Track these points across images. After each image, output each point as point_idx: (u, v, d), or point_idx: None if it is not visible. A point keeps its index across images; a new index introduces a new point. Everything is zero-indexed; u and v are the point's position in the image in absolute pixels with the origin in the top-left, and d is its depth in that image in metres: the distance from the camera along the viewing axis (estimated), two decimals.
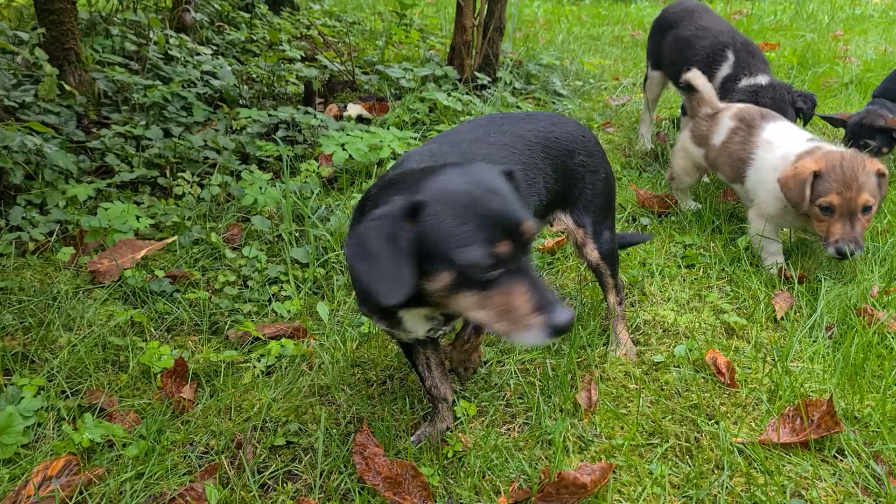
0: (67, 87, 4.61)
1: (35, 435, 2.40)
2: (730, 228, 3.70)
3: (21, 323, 2.98)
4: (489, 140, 2.32)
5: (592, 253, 2.64)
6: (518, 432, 2.35)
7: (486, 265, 1.62)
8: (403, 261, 1.62)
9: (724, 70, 4.41)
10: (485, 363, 2.69)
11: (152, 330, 3.00)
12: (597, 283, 2.81)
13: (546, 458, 2.22)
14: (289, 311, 3.13)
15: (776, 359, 2.62)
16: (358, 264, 1.65)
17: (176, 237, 3.62)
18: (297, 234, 3.61)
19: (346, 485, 2.12)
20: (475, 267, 1.62)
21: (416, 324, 2.01)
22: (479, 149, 2.25)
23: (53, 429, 2.43)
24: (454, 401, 2.37)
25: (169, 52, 5.59)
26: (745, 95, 4.10)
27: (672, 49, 4.74)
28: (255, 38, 6.96)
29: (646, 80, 5.19)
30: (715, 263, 3.34)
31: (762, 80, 4.23)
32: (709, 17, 4.74)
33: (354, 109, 5.19)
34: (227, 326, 3.03)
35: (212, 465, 2.20)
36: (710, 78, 4.19)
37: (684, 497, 2.07)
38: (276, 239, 3.64)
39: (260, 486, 2.15)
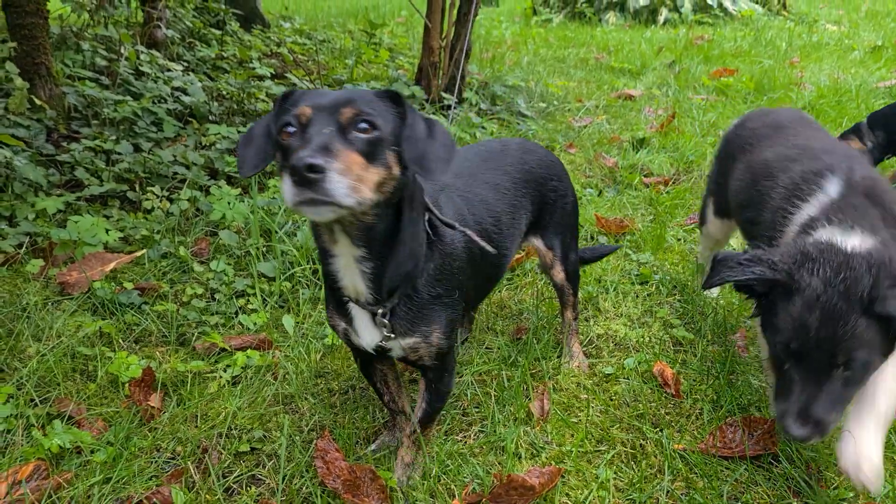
0: (38, 101, 4.68)
1: (4, 441, 2.46)
2: (683, 248, 3.86)
3: None
4: (483, 179, 2.40)
5: (559, 274, 2.76)
6: (473, 439, 2.47)
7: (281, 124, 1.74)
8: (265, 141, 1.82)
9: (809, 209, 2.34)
10: None
11: (120, 341, 3.07)
12: (552, 300, 2.94)
13: (499, 463, 2.33)
14: (255, 324, 3.22)
15: (719, 372, 2.77)
16: (239, 148, 1.87)
17: (145, 251, 3.70)
18: (264, 249, 3.70)
19: (308, 488, 2.22)
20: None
21: (363, 324, 2.04)
22: (478, 188, 2.35)
23: (22, 435, 2.49)
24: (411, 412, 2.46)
25: (140, 67, 5.66)
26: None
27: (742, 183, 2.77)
28: (225, 54, 7.05)
29: (702, 222, 3.41)
30: (667, 280, 3.50)
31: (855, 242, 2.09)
32: (810, 132, 2.85)
33: None
34: (194, 338, 3.11)
35: (178, 469, 2.29)
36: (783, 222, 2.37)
37: (628, 500, 2.20)
38: (243, 254, 3.73)
39: (224, 490, 2.24)
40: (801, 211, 2.28)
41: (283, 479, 2.26)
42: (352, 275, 1.92)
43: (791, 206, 2.32)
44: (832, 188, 2.26)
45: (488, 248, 2.12)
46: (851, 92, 6.79)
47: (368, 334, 2.05)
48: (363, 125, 1.67)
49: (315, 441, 2.35)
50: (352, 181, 1.58)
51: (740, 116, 3.25)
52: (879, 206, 2.17)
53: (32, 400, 2.67)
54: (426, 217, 1.99)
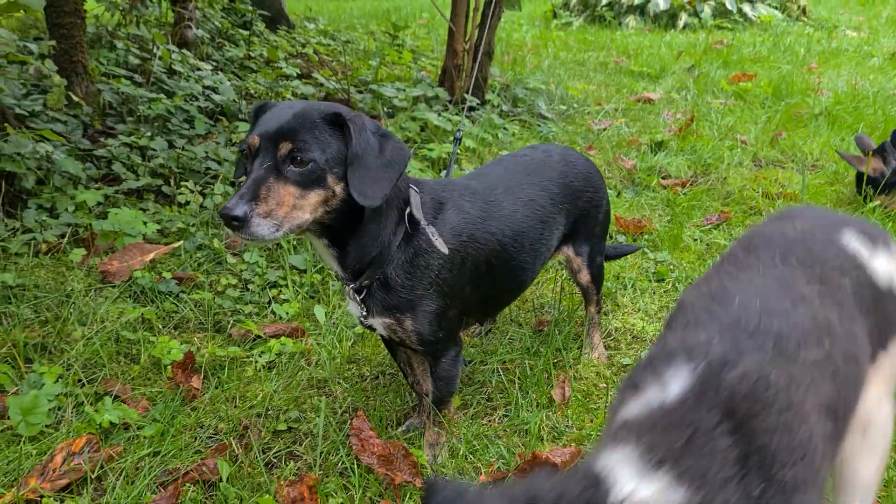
0: (75, 98, 4.85)
1: (56, 417, 2.62)
2: (700, 247, 3.98)
3: (37, 317, 3.20)
4: (517, 194, 2.51)
5: (585, 277, 2.89)
6: (498, 423, 2.60)
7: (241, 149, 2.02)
8: None
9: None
10: (469, 362, 2.94)
11: (160, 327, 3.23)
12: (573, 294, 3.07)
13: (522, 444, 2.47)
14: (287, 313, 3.37)
15: None
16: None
17: (181, 242, 3.86)
18: (294, 242, 3.86)
19: (344, 464, 2.36)
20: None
21: (349, 299, 2.28)
22: (508, 202, 2.47)
23: (72, 412, 2.65)
24: None
25: (172, 66, 5.84)
26: None
27: None
28: (252, 54, 7.22)
29: None
30: (684, 277, 3.62)
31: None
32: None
33: None
34: (230, 325, 3.26)
35: (221, 444, 2.44)
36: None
37: None
38: (275, 246, 3.88)
39: (265, 465, 2.39)
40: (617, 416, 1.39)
41: (321, 455, 2.40)
42: (324, 255, 2.20)
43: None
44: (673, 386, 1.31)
45: (442, 248, 2.21)
46: (869, 98, 6.87)
47: (353, 308, 2.29)
48: (298, 157, 1.91)
49: (350, 421, 2.49)
50: (277, 219, 1.87)
51: None
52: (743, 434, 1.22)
53: (80, 380, 2.83)
54: (407, 211, 2.18)
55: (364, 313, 2.25)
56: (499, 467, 2.35)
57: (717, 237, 4.14)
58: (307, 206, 1.93)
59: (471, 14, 5.95)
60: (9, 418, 2.54)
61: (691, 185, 5.00)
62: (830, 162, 5.35)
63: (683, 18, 11.65)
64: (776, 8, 12.48)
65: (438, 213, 2.26)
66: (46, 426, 2.55)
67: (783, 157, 5.55)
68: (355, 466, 2.30)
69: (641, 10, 12.07)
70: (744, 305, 1.46)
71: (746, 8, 11.96)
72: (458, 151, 4.90)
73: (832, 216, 1.94)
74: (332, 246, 2.15)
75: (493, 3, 5.62)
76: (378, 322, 2.27)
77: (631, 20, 11.99)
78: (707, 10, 11.76)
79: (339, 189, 1.98)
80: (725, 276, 1.63)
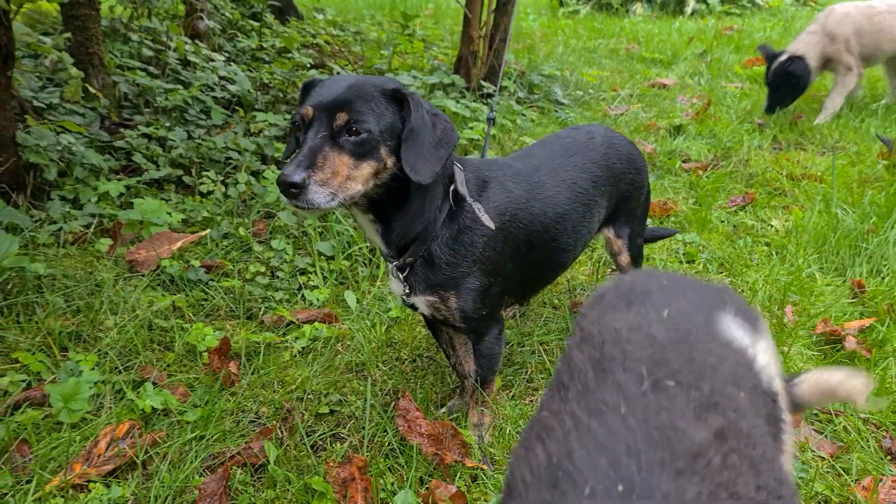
0: (91, 90, 4.83)
1: (95, 404, 2.61)
2: (727, 228, 3.96)
3: (69, 306, 3.18)
4: (560, 176, 2.49)
5: (625, 259, 2.87)
6: None
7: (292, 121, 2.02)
8: None
9: None
10: (506, 344, 2.92)
11: (191, 315, 3.21)
12: (603, 276, 3.05)
13: None
14: (318, 299, 3.35)
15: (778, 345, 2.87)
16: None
17: (208, 231, 3.84)
18: (321, 229, 3.84)
19: (391, 444, 2.34)
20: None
21: (392, 277, 2.27)
22: (551, 184, 2.45)
23: (111, 399, 2.64)
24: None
25: (187, 57, 5.81)
26: None
27: None
28: (264, 45, 7.19)
29: None
30: (714, 258, 3.60)
31: None
32: None
33: None
34: (261, 312, 3.25)
35: (266, 428, 2.42)
36: None
37: None
38: (300, 234, 3.86)
39: (310, 447, 2.37)
40: None
41: (366, 437, 2.38)
42: (369, 231, 2.19)
43: None
44: None
45: (489, 223, 2.20)
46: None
47: (396, 286, 2.27)
48: (354, 127, 1.89)
49: (397, 402, 2.48)
50: (332, 188, 1.86)
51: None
52: None
53: (116, 367, 2.81)
54: (452, 188, 2.16)
55: (407, 291, 2.23)
56: None
57: (743, 218, 4.12)
58: (360, 177, 1.91)
59: (486, 1, 5.92)
60: (50, 406, 2.53)
61: (713, 168, 4.97)
62: (851, 143, 5.32)
63: (691, 5, 11.59)
64: None
65: (483, 191, 2.24)
66: (87, 413, 2.54)
67: (803, 140, 5.52)
68: (402, 447, 2.28)
69: None
70: (599, 494, 0.92)
71: None
72: (479, 137, 4.86)
73: (700, 291, 1.40)
74: (377, 221, 2.13)
75: None
76: (421, 300, 2.25)
77: (638, 7, 11.94)
78: None
79: (390, 162, 1.96)
80: (571, 429, 1.05)
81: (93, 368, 2.76)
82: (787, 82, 5.69)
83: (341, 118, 1.89)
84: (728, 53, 8.42)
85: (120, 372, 2.79)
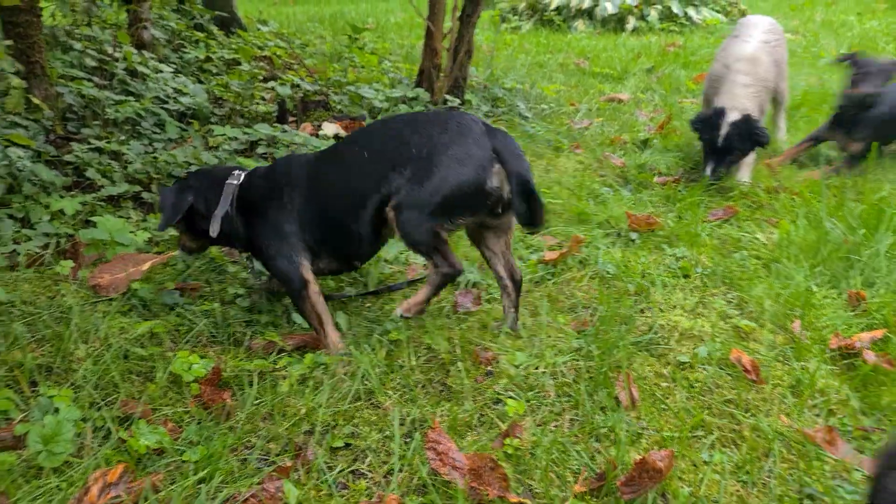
0: (34, 101, 4.49)
1: (76, 446, 2.33)
2: (713, 242, 3.91)
3: (32, 336, 2.88)
4: None
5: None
6: (567, 428, 2.43)
7: None
8: None
9: None
10: (517, 367, 2.76)
11: (170, 342, 2.95)
12: (608, 292, 2.93)
13: (602, 450, 2.30)
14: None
15: (792, 358, 2.80)
16: None
17: (177, 251, 3.57)
18: None
19: (417, 480, 2.15)
20: None
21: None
22: None
23: (91, 439, 2.37)
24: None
25: (136, 68, 5.50)
26: None
27: None
28: (212, 56, 6.90)
29: None
30: (710, 273, 3.53)
31: None
32: None
33: (331, 128, 5.21)
34: (247, 337, 3.01)
35: (280, 467, 2.20)
36: None
37: (740, 482, 2.19)
38: None
39: (332, 484, 2.16)
40: None
41: (395, 472, 2.19)
42: None
43: None
44: None
45: None
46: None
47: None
48: None
49: (414, 433, 2.29)
50: None
51: None
52: None
53: (94, 403, 2.54)
54: None
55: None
56: (588, 475, 2.18)
57: (729, 231, 4.08)
58: None
59: (449, 13, 5.80)
60: (26, 448, 2.24)
61: (686, 181, 4.94)
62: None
63: (631, 22, 11.75)
64: (719, 11, 12.73)
65: None
66: (69, 455, 2.26)
67: (774, 153, 5.56)
68: (434, 481, 2.10)
69: (590, 14, 12.13)
70: None
71: (691, 11, 12.15)
72: None
73: None
74: None
75: (475, 1, 5.48)
76: None
77: (579, 24, 12.04)
78: (654, 14, 11.89)
79: None
80: None
81: (69, 405, 2.48)
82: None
83: None
84: (676, 69, 8.52)
85: (100, 408, 2.52)
